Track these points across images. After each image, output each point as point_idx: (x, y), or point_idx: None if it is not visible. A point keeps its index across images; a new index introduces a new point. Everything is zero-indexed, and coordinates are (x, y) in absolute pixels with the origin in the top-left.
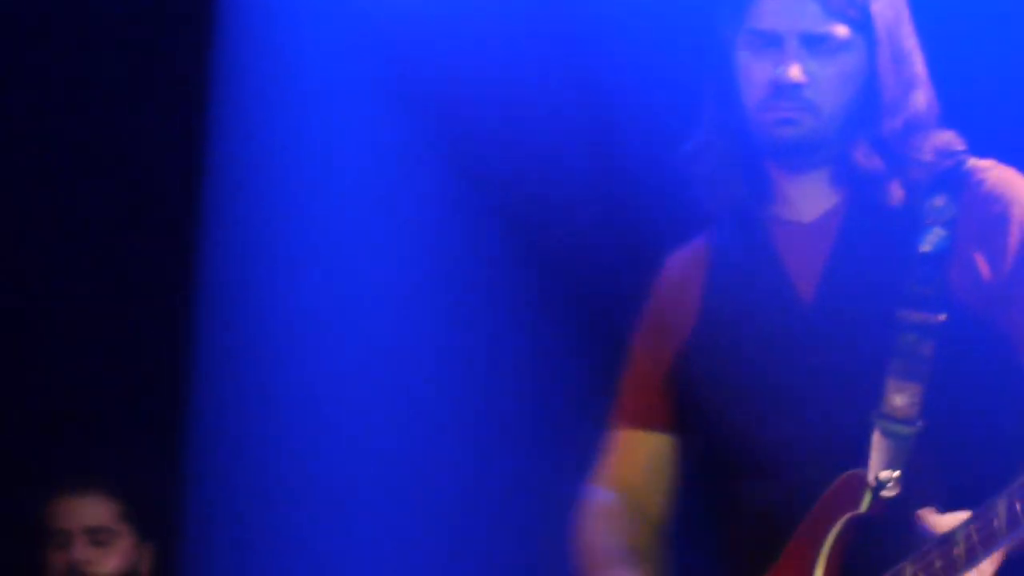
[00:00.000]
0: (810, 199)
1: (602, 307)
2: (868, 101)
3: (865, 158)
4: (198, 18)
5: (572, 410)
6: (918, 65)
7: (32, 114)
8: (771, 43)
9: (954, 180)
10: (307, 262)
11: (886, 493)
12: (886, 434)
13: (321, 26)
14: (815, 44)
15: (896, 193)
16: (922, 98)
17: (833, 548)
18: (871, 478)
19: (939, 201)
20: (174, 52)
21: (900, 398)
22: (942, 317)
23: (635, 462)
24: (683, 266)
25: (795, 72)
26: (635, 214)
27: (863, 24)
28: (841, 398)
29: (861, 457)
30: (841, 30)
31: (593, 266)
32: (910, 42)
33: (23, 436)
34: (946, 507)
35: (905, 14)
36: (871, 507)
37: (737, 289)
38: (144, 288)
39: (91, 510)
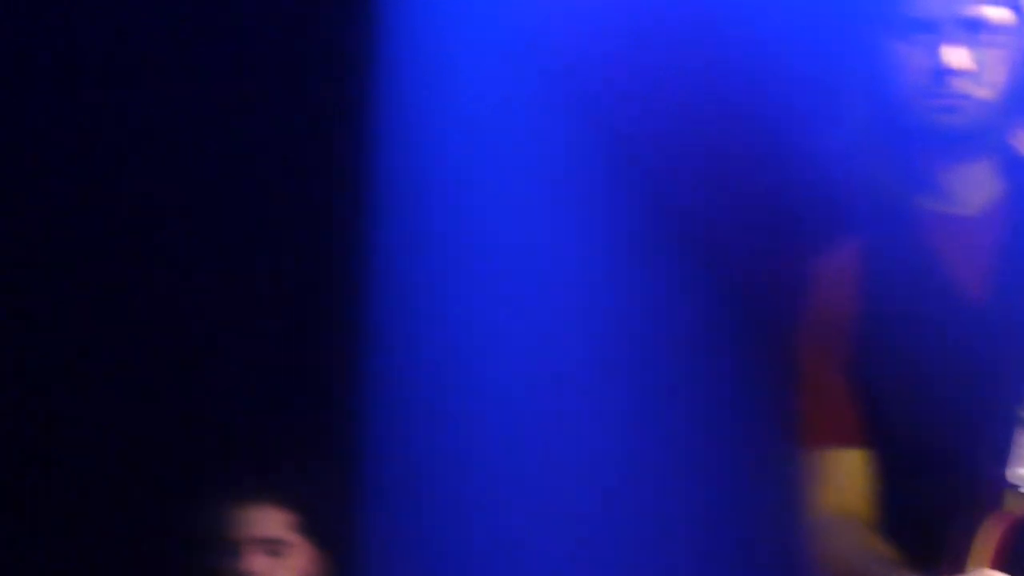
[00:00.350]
0: (971, 190)
1: (764, 307)
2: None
3: None
4: (361, 18)
5: (741, 408)
6: None
7: (196, 113)
8: (928, 30)
9: None
10: (476, 264)
11: None
12: None
13: (485, 26)
14: (974, 29)
15: None
16: None
17: (987, 549)
18: (1015, 476)
19: None
20: (338, 45)
21: None
22: None
23: (846, 483)
24: (835, 270)
25: (958, 58)
26: (793, 214)
27: (1017, 6)
28: (1003, 396)
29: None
30: (998, 13)
31: (754, 265)
32: None
33: (198, 446)
34: None
35: None
36: (1017, 506)
37: (895, 290)
38: (313, 296)
39: (265, 520)
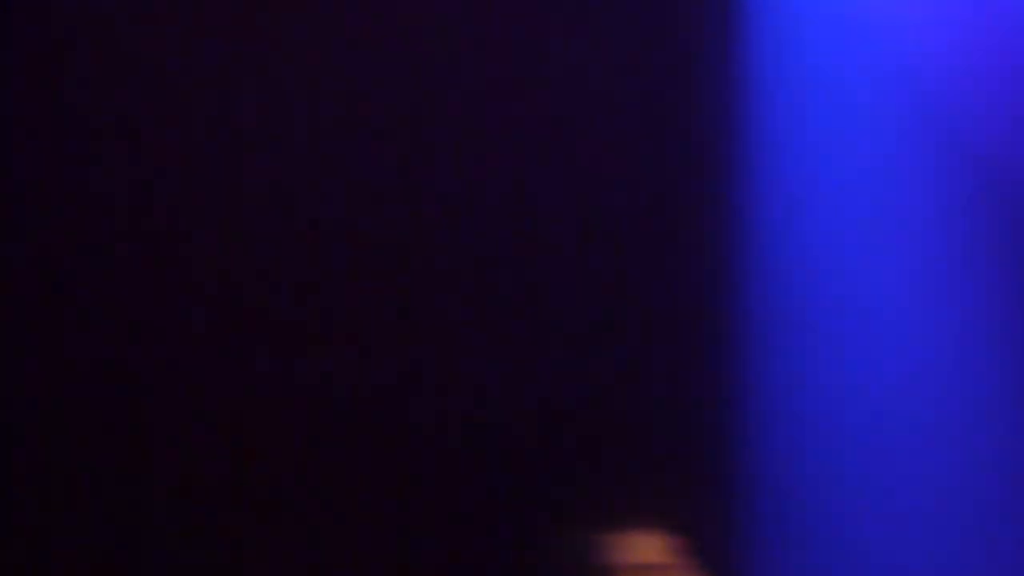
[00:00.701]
0: None
1: None
2: None
3: None
4: (726, 28)
5: None
6: None
7: (570, 121)
8: None
9: None
10: (838, 270)
11: None
12: None
13: (843, 35)
14: None
15: None
16: None
17: None
18: None
19: None
20: (704, 55)
21: None
22: None
23: None
24: None
25: None
26: None
27: None
28: None
29: None
30: None
31: None
32: None
33: (572, 472)
34: None
35: None
36: None
37: None
38: (684, 311)
39: (644, 545)
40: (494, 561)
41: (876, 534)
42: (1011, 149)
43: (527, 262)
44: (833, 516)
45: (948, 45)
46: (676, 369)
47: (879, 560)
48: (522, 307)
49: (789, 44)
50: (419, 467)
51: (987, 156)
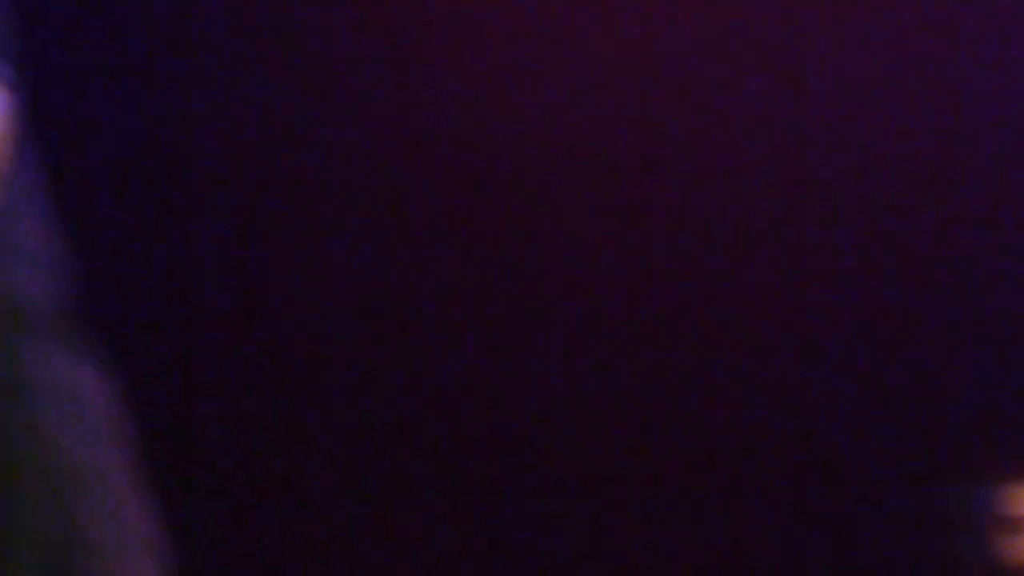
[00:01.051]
0: None
1: None
2: None
3: None
4: None
5: None
6: None
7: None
8: None
9: None
10: None
11: None
12: None
13: None
14: None
15: None
16: None
17: None
18: None
19: None
20: None
21: None
22: None
23: None
24: None
25: None
26: None
27: None
28: None
29: None
30: None
31: None
32: None
33: (944, 424)
34: None
35: None
36: None
37: None
38: None
39: (1020, 498)
40: (892, 515)
41: None
42: None
43: (905, 246)
44: None
45: None
46: None
47: None
48: (903, 284)
49: None
50: (817, 418)
51: None
